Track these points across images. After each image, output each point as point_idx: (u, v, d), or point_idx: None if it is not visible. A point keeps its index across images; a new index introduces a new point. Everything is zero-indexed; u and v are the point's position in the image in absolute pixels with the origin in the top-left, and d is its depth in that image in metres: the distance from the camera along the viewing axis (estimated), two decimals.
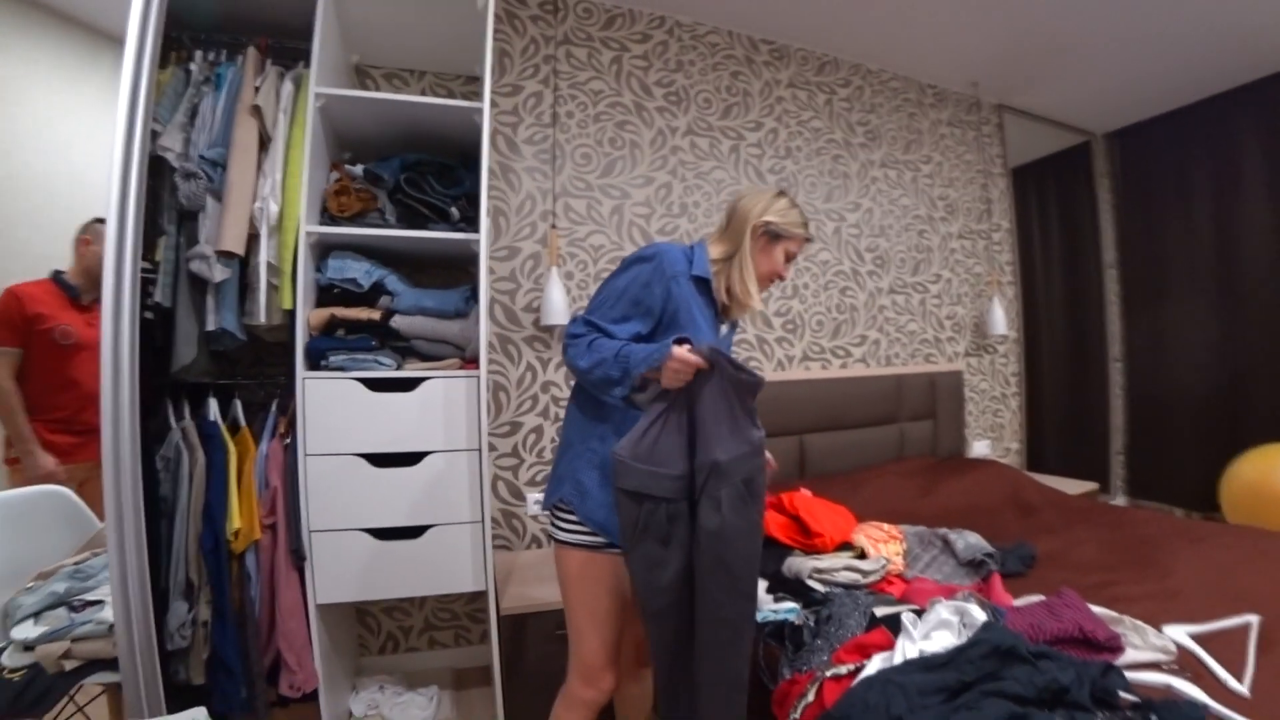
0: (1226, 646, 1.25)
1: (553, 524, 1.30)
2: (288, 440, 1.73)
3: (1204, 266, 3.83)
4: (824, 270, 3.02)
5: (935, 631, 1.20)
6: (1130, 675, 1.12)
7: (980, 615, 1.21)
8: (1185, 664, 1.21)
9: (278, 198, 1.71)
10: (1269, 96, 3.49)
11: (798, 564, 1.63)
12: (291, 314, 1.70)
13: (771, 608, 1.52)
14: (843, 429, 2.84)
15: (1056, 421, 4.47)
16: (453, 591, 1.79)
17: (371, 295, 1.83)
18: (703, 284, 1.32)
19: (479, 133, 1.81)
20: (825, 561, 1.63)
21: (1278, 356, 3.53)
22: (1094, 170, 4.30)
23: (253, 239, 1.69)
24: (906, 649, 1.17)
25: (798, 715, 1.13)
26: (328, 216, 1.80)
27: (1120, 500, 4.18)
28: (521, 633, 1.77)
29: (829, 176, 3.06)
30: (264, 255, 1.68)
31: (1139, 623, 1.31)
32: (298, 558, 1.67)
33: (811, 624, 1.38)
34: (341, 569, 1.68)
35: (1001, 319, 3.41)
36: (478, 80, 2.28)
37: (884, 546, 1.71)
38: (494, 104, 2.33)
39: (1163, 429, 4.04)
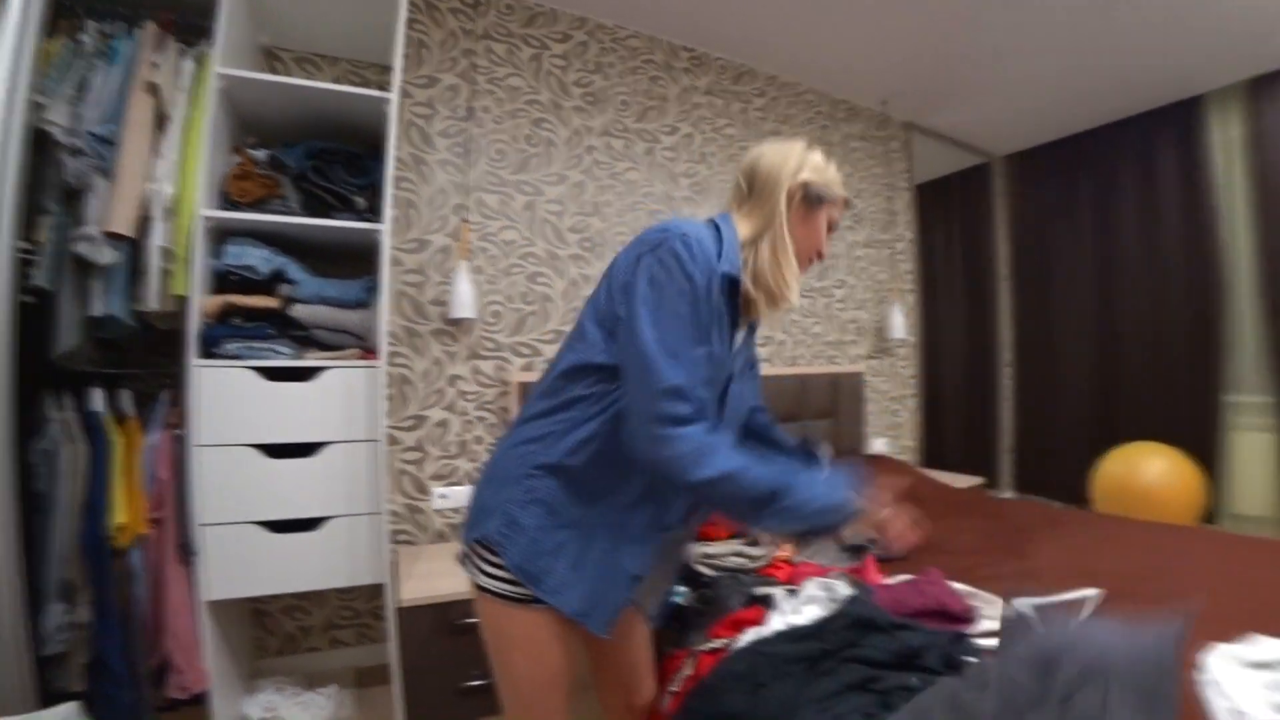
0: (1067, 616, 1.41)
1: (472, 565, 1.00)
2: (178, 431, 1.67)
3: (1085, 282, 4.20)
4: None
5: (805, 606, 1.30)
6: (982, 642, 1.24)
7: (846, 591, 1.32)
8: None
9: (174, 180, 1.65)
10: (1142, 131, 3.89)
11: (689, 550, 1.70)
12: (185, 300, 1.64)
13: None
14: None
15: (953, 421, 4.81)
16: (350, 585, 1.76)
17: (271, 283, 1.79)
18: (731, 284, 0.98)
19: (387, 123, 1.80)
20: (715, 548, 1.71)
21: (1144, 366, 3.92)
22: (992, 189, 4.64)
23: (145, 222, 1.62)
24: (777, 623, 1.26)
25: (676, 687, 1.20)
26: (227, 201, 1.74)
27: (1008, 494, 4.51)
28: (420, 626, 1.76)
29: None
30: (157, 239, 1.62)
31: (992, 596, 1.45)
32: (187, 553, 1.61)
33: (697, 605, 1.45)
34: (234, 564, 1.63)
35: (901, 324, 3.63)
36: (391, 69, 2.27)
37: None
38: (409, 95, 2.32)
39: (1045, 429, 4.40)
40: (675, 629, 1.40)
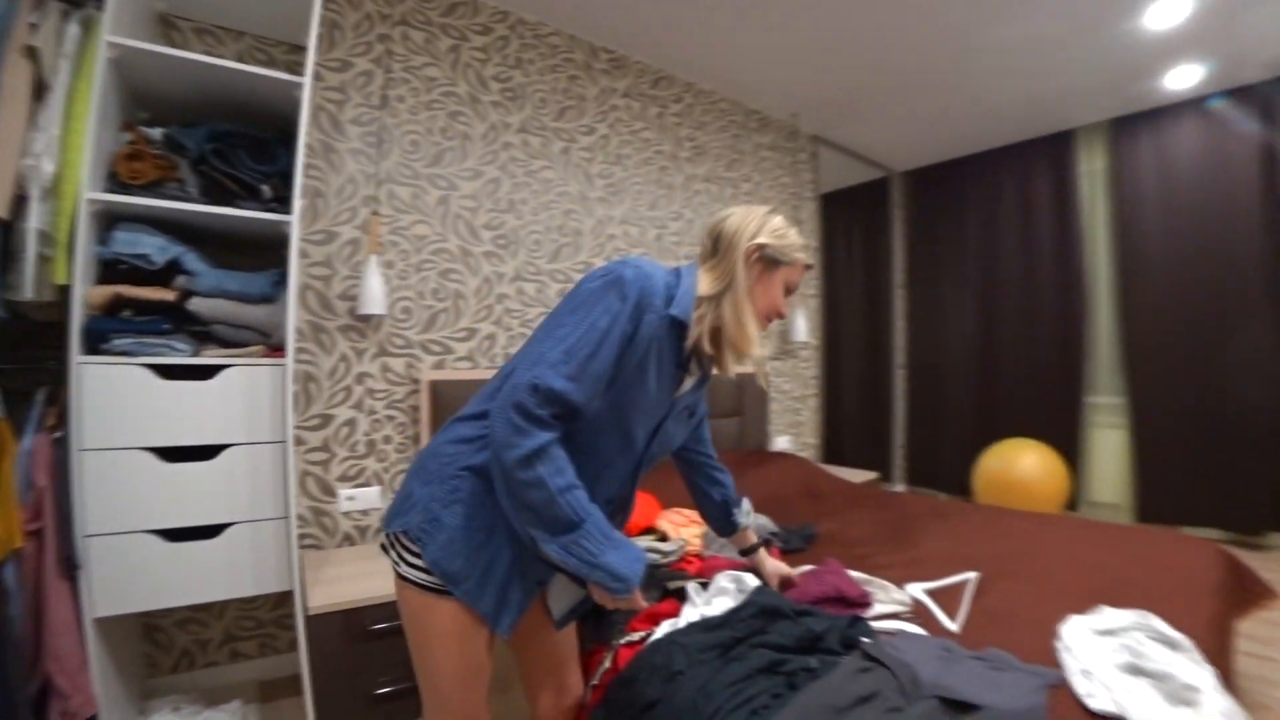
0: (951, 597, 1.55)
1: (394, 553, 1.02)
2: (58, 434, 1.53)
3: (970, 292, 4.58)
4: None
5: (716, 598, 1.39)
6: (875, 624, 1.36)
7: (753, 582, 1.41)
8: (918, 612, 1.48)
9: (54, 156, 1.50)
10: (1022, 158, 4.28)
11: None
12: (67, 290, 1.50)
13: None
14: None
15: (851, 419, 5.12)
16: (256, 593, 1.68)
17: (166, 274, 1.67)
18: (678, 327, 1.03)
19: (298, 108, 1.72)
20: None
21: (1019, 370, 4.32)
22: (891, 202, 4.96)
23: (20, 202, 1.47)
24: (690, 615, 1.33)
25: (597, 681, 1.24)
26: (117, 183, 1.60)
27: (900, 487, 4.84)
28: (330, 634, 1.70)
29: (655, 186, 3.24)
30: (34, 221, 1.47)
31: (886, 583, 1.58)
32: (70, 567, 1.48)
33: None
34: (125, 577, 1.52)
35: (804, 328, 3.81)
36: (302, 50, 2.15)
37: (684, 530, 1.87)
38: (320, 78, 2.22)
39: (934, 426, 4.76)
40: (594, 626, 1.44)
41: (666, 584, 1.53)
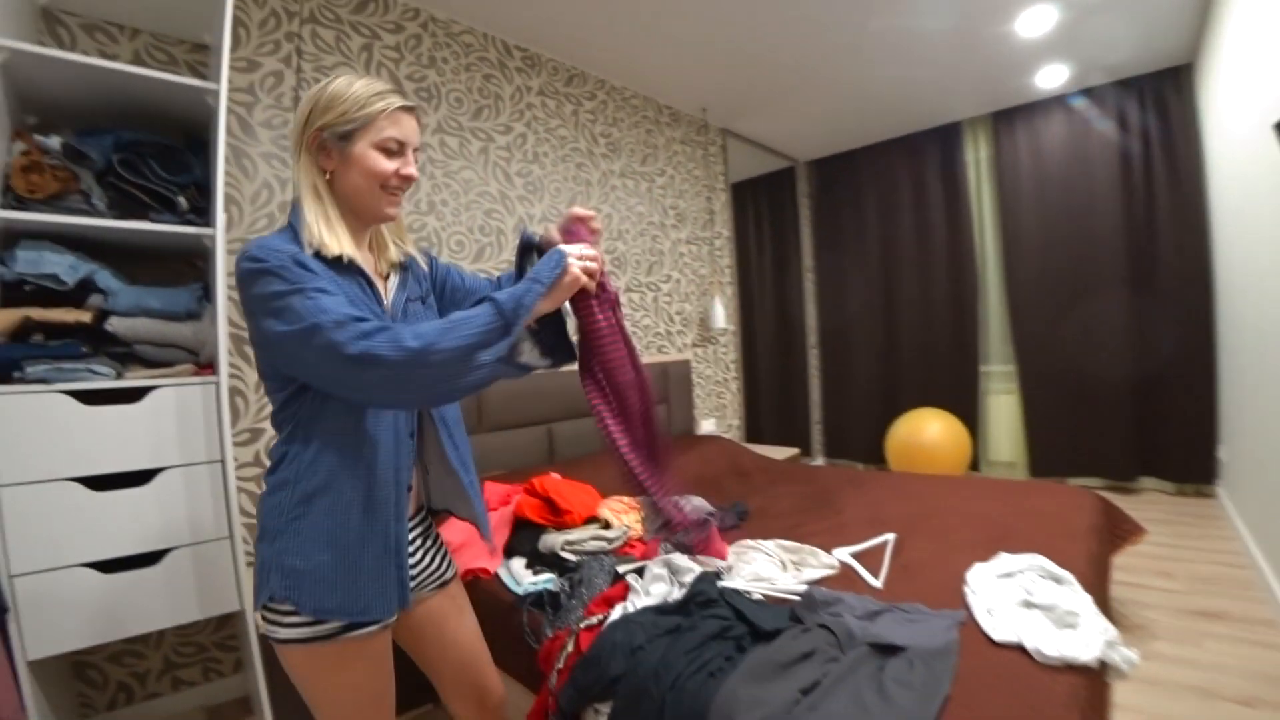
0: (873, 557, 1.74)
1: (272, 626, 0.95)
2: None
3: (873, 272, 4.88)
4: None
5: (653, 585, 1.50)
6: (812, 588, 1.51)
7: (685, 564, 1.55)
8: (845, 573, 1.65)
9: None
10: (914, 148, 4.60)
11: (550, 539, 1.81)
12: None
13: (531, 580, 1.67)
14: (587, 416, 3.03)
15: (769, 399, 5.36)
16: (204, 617, 1.64)
17: (78, 294, 1.58)
18: (339, 266, 0.96)
19: (210, 114, 1.67)
20: (574, 534, 1.82)
21: (919, 344, 4.65)
22: (797, 190, 5.19)
23: None
24: (636, 600, 1.45)
25: (561, 665, 1.31)
26: (13, 197, 1.50)
27: (819, 461, 5.12)
28: None
29: (573, 183, 3.28)
30: None
31: (816, 549, 1.74)
32: None
33: (567, 589, 1.58)
34: (60, 615, 1.44)
35: (722, 314, 3.97)
36: (206, 49, 2.06)
37: (625, 517, 1.96)
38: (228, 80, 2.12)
39: (846, 401, 5.06)
40: (551, 613, 1.51)
41: (617, 569, 1.62)
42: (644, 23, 2.93)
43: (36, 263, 1.53)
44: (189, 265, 1.96)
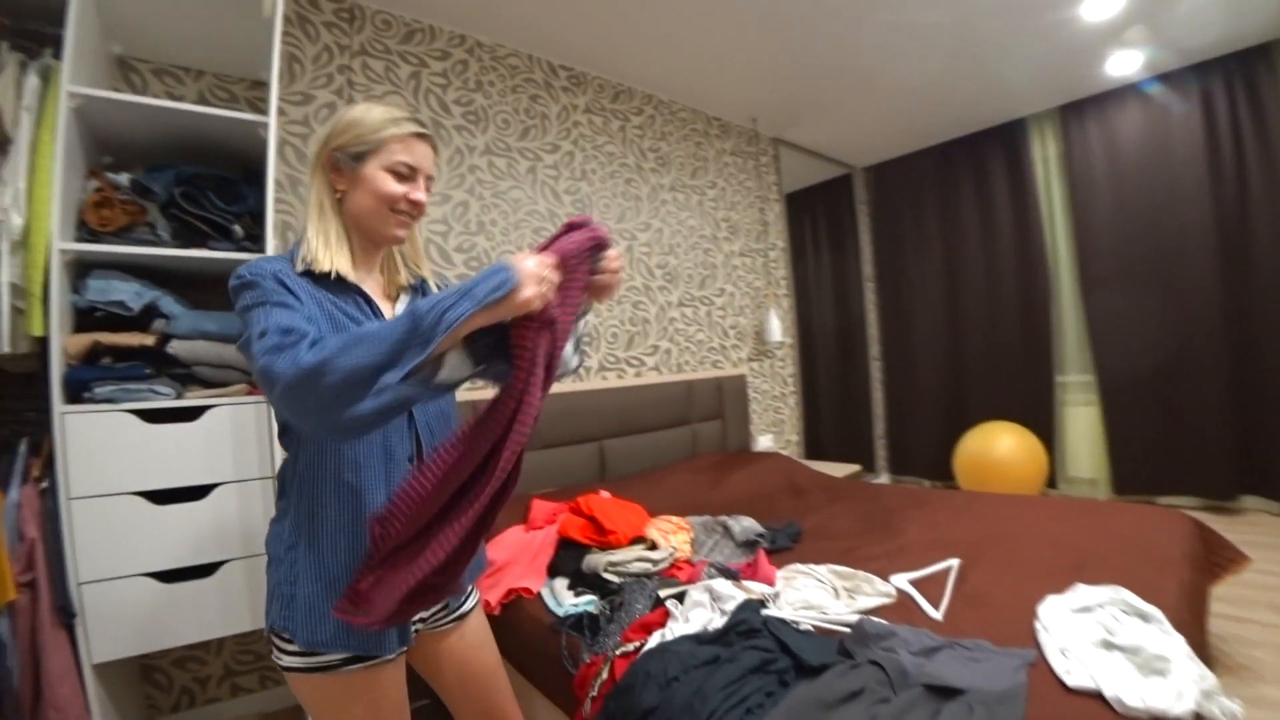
0: (934, 585, 1.60)
1: (277, 652, 0.96)
2: (44, 484, 1.54)
3: (935, 279, 4.68)
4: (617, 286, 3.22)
5: (692, 612, 1.43)
6: (864, 619, 1.38)
7: (726, 592, 1.47)
8: (902, 602, 1.53)
9: (22, 209, 1.52)
10: (977, 148, 4.40)
11: (594, 560, 1.77)
12: (44, 341, 1.52)
13: (572, 602, 1.64)
14: (640, 433, 3.04)
15: (830, 414, 5.20)
16: (254, 628, 1.70)
17: (143, 319, 1.68)
18: (309, 277, 0.95)
19: (264, 146, 1.74)
20: (618, 555, 1.77)
21: (988, 353, 4.42)
22: (855, 198, 5.05)
23: None
24: (675, 627, 1.38)
25: (595, 692, 1.27)
26: (87, 231, 1.62)
27: (883, 478, 4.92)
28: None
29: (622, 198, 3.29)
30: (4, 274, 1.49)
31: (871, 576, 1.63)
32: (65, 615, 1.49)
33: (607, 612, 1.53)
34: (121, 621, 1.53)
35: (778, 327, 3.88)
36: (263, 85, 2.17)
37: (673, 537, 1.91)
38: (283, 113, 2.24)
39: (911, 415, 4.85)
40: (589, 637, 1.47)
41: (658, 593, 1.57)
42: (690, 36, 2.92)
43: (106, 291, 1.63)
44: None
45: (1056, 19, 2.94)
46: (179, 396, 1.65)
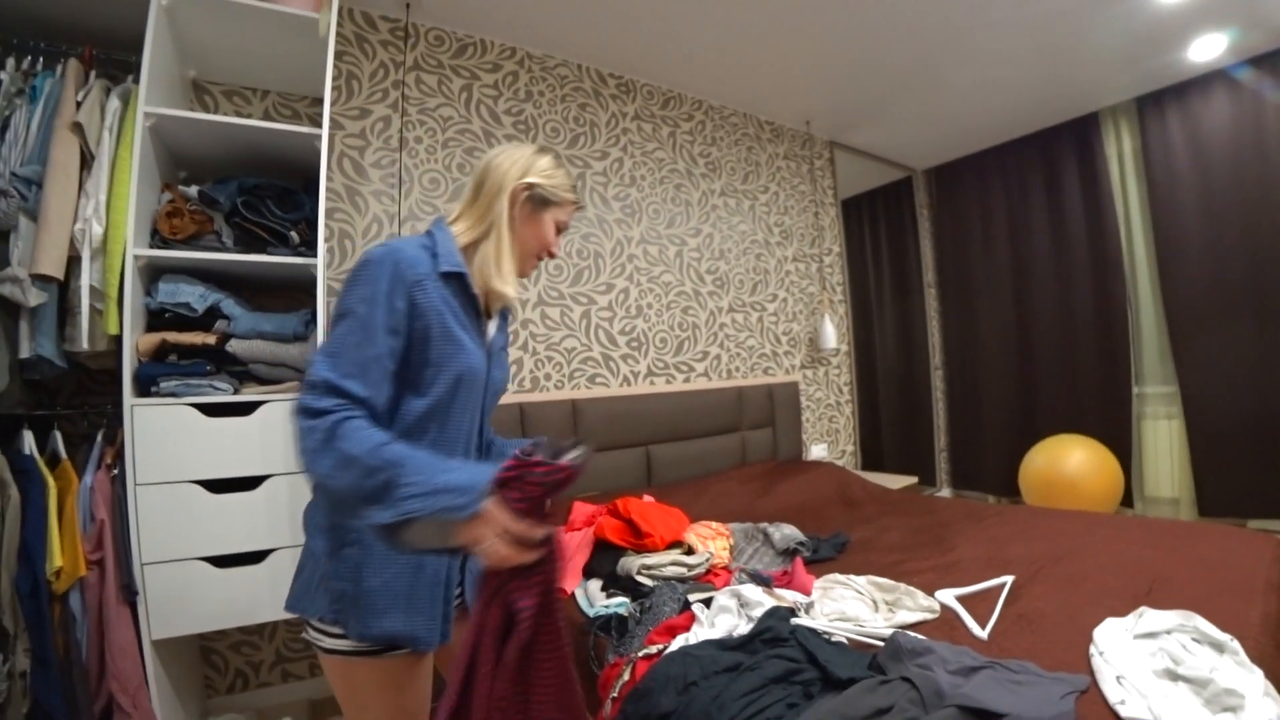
0: (984, 603, 1.51)
1: (313, 633, 0.99)
2: (115, 470, 1.66)
3: (1003, 286, 4.47)
4: (666, 291, 3.22)
5: (718, 618, 1.40)
6: (899, 633, 1.31)
7: (754, 597, 1.42)
8: (946, 619, 1.46)
9: (101, 219, 1.65)
10: (1046, 145, 4.19)
11: (628, 562, 1.76)
12: (118, 339, 1.65)
13: (604, 603, 1.63)
14: (688, 439, 3.01)
15: (890, 424, 5.01)
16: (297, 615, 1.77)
17: (207, 319, 1.80)
18: (457, 280, 1.02)
19: (319, 158, 1.84)
20: (653, 559, 1.76)
21: (1059, 362, 4.18)
22: (915, 201, 4.88)
23: (74, 261, 1.62)
24: (700, 631, 1.35)
25: (617, 693, 1.26)
26: (159, 239, 1.75)
27: (945, 492, 4.72)
28: None
29: (671, 204, 3.29)
30: (86, 278, 1.62)
31: (914, 589, 1.56)
32: (129, 593, 1.60)
33: (636, 614, 1.52)
34: (178, 602, 1.63)
35: (832, 334, 3.78)
36: (322, 101, 2.29)
37: (711, 543, 1.88)
38: (341, 127, 2.35)
39: (975, 427, 4.63)
40: (615, 639, 1.46)
41: (686, 597, 1.55)
42: (742, 44, 2.91)
43: (174, 293, 1.76)
44: (306, 294, 2.17)
45: (1130, 4, 2.77)
46: (236, 392, 1.76)
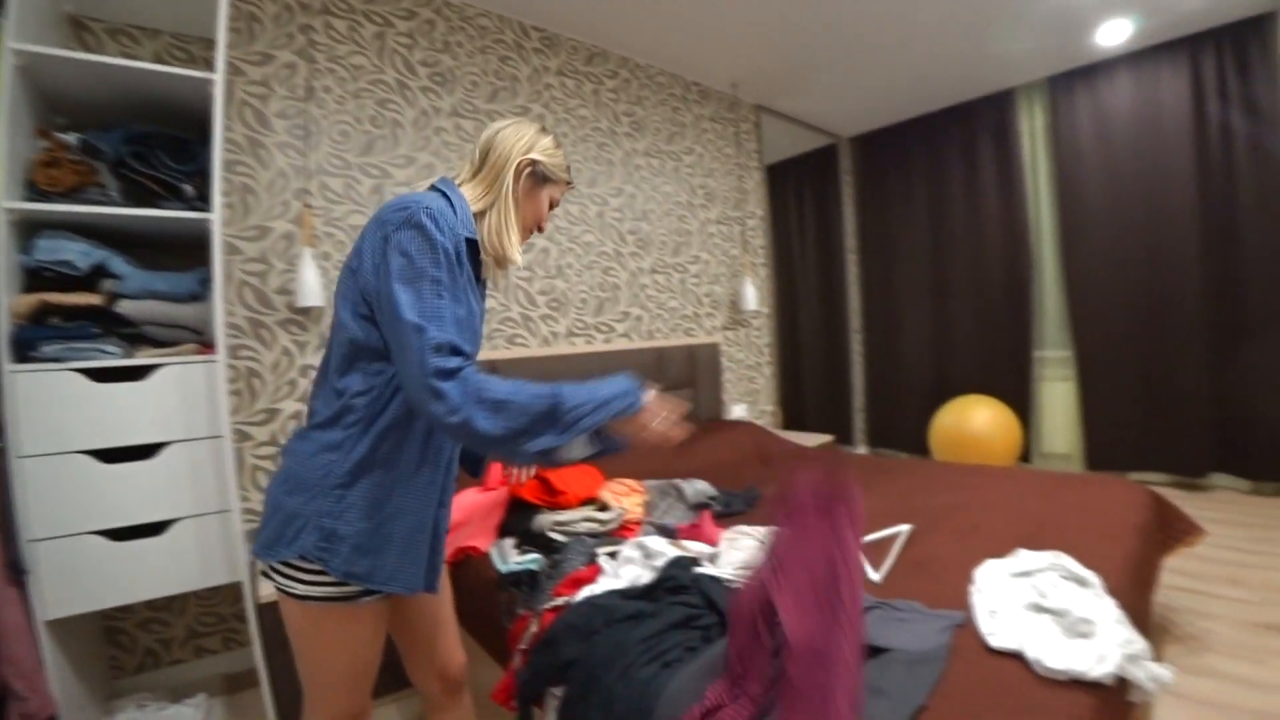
0: (882, 550, 1.62)
1: (279, 575, 0.99)
2: None
3: (920, 253, 4.65)
4: (587, 251, 3.19)
5: (623, 568, 1.45)
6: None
7: (658, 547, 1.49)
8: None
9: None
10: (965, 118, 4.33)
11: (542, 520, 1.79)
12: None
13: (516, 560, 1.66)
14: None
15: (811, 384, 5.20)
16: (203, 587, 1.72)
17: (92, 279, 1.67)
18: (470, 245, 1.05)
19: (213, 105, 1.72)
20: (566, 515, 1.80)
21: (970, 327, 4.41)
22: (839, 168, 4.98)
23: None
24: (605, 582, 1.40)
25: (524, 645, 1.29)
26: (35, 191, 1.60)
27: (861, 449, 4.94)
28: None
29: (594, 163, 3.24)
30: None
31: None
32: (17, 572, 1.51)
33: (548, 569, 1.56)
34: (74, 578, 1.55)
35: (754, 296, 3.84)
36: None
37: (625, 499, 1.94)
38: (241, 73, 2.21)
39: (890, 387, 4.85)
40: (526, 593, 1.49)
41: (594, 551, 1.59)
42: None
43: (54, 250, 1.63)
44: (203, 251, 2.05)
45: None
46: (127, 355, 1.65)
